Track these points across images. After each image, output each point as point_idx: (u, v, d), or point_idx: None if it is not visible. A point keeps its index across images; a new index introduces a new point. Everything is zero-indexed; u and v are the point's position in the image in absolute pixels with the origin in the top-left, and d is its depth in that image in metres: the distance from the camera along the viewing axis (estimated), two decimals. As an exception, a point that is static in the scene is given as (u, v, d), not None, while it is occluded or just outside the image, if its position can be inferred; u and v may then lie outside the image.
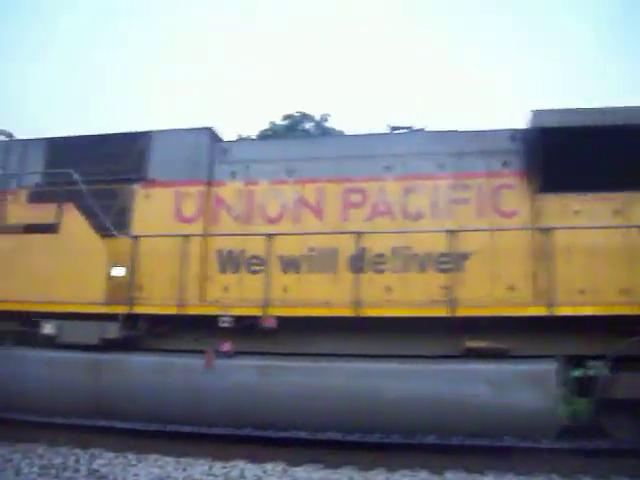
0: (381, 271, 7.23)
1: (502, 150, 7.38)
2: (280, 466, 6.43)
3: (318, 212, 7.65)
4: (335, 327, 7.08)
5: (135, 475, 6.05)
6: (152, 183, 7.99)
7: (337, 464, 6.49)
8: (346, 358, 7.02)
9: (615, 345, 6.41)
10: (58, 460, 6.51)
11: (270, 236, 7.28)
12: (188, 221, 7.81)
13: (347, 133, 9.72)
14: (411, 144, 7.79)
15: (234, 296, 7.44)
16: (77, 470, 6.17)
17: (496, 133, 7.49)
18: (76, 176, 7.80)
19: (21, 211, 8.01)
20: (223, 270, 7.64)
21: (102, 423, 7.95)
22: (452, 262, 6.93)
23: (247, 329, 7.15)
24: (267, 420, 7.11)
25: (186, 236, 7.51)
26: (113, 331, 7.31)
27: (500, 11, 58.47)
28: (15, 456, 6.59)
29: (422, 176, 7.47)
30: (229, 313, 7.10)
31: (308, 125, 22.43)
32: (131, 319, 7.39)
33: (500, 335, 6.74)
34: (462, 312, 6.60)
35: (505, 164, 7.33)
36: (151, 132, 8.20)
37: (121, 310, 7.29)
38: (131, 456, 6.73)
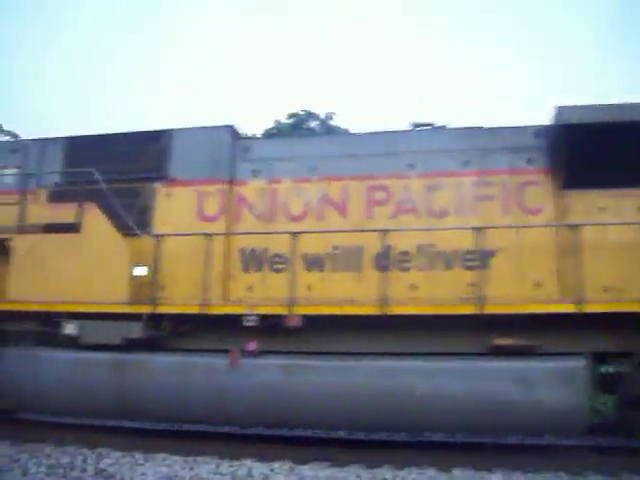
0: (406, 269, 7.20)
1: (526, 147, 7.35)
2: (287, 464, 6.41)
3: (342, 210, 7.60)
4: (359, 326, 7.04)
5: (142, 474, 6.00)
6: (173, 182, 7.95)
7: (344, 462, 6.45)
8: (371, 356, 6.97)
9: None
10: (65, 460, 6.46)
11: (295, 234, 7.23)
12: (210, 220, 7.76)
13: (360, 131, 9.65)
14: (434, 141, 7.73)
15: (258, 295, 7.40)
16: (84, 470, 6.13)
17: (519, 130, 7.45)
18: (97, 175, 7.73)
19: (41, 211, 7.94)
20: (246, 269, 7.60)
21: (110, 423, 7.89)
22: (478, 259, 6.89)
23: (271, 328, 7.10)
24: (293, 419, 7.07)
25: (209, 235, 7.44)
26: (136, 331, 7.25)
27: (500, 11, 58.61)
28: (22, 456, 6.55)
29: (446, 173, 7.45)
30: (254, 312, 7.04)
31: (313, 123, 22.37)
32: (154, 319, 7.33)
33: (527, 332, 6.70)
34: (490, 309, 6.55)
35: (529, 161, 7.31)
36: (172, 130, 8.16)
37: (145, 310, 7.23)
38: (138, 455, 6.70)
